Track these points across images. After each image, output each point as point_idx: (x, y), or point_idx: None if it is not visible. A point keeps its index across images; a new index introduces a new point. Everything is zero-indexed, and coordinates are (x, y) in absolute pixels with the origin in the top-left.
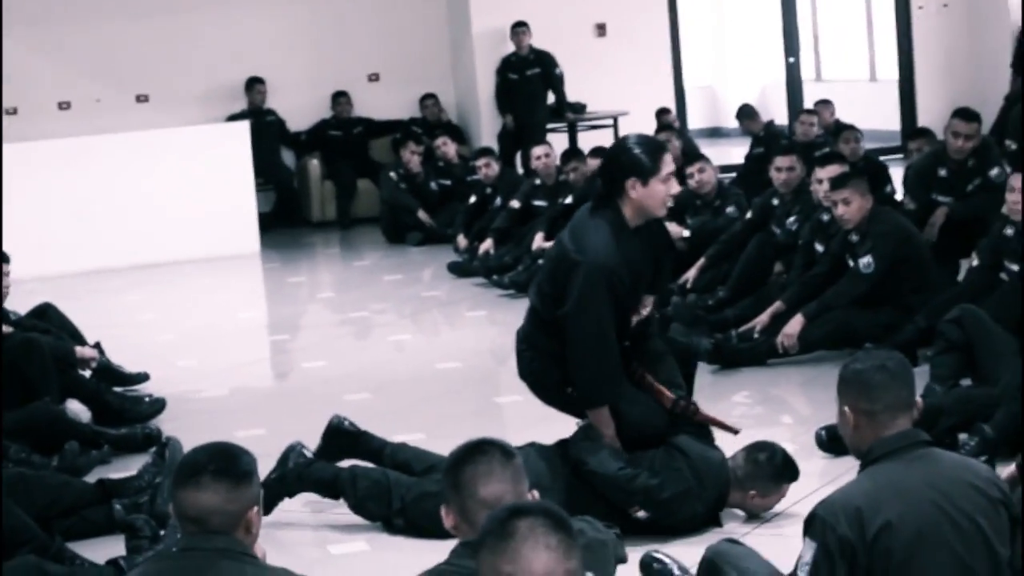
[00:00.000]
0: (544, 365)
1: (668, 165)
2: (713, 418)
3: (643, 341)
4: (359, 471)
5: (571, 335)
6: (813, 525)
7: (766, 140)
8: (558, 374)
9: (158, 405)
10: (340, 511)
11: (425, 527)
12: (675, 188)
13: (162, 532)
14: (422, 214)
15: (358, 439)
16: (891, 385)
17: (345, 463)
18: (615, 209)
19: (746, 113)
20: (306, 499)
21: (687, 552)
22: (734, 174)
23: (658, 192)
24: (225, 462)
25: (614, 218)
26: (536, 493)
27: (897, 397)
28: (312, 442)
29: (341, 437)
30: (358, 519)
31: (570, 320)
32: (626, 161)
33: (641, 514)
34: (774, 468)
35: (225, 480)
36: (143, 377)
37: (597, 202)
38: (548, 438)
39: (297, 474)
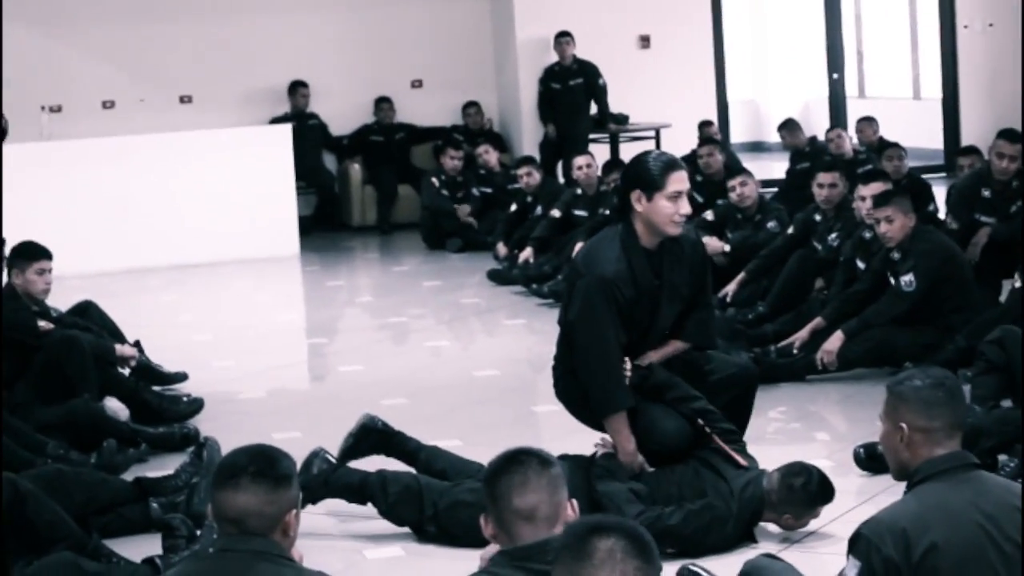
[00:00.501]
0: (569, 381)
1: (677, 183)
2: (726, 449)
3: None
4: (389, 475)
5: (576, 345)
6: (858, 544)
7: (811, 155)
8: (582, 389)
9: (196, 405)
10: (371, 516)
11: (458, 535)
12: (685, 208)
13: (198, 532)
14: (463, 211)
15: (391, 439)
16: (950, 403)
17: (370, 466)
18: (627, 223)
19: (788, 127)
20: (330, 506)
21: (724, 565)
22: (775, 189)
23: (663, 209)
24: (265, 464)
25: (625, 232)
26: (575, 503)
27: (955, 416)
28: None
29: (373, 435)
30: (391, 525)
31: (574, 331)
32: (633, 174)
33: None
34: (809, 494)
35: (264, 482)
36: (181, 377)
37: (615, 216)
38: (586, 448)
39: (323, 480)
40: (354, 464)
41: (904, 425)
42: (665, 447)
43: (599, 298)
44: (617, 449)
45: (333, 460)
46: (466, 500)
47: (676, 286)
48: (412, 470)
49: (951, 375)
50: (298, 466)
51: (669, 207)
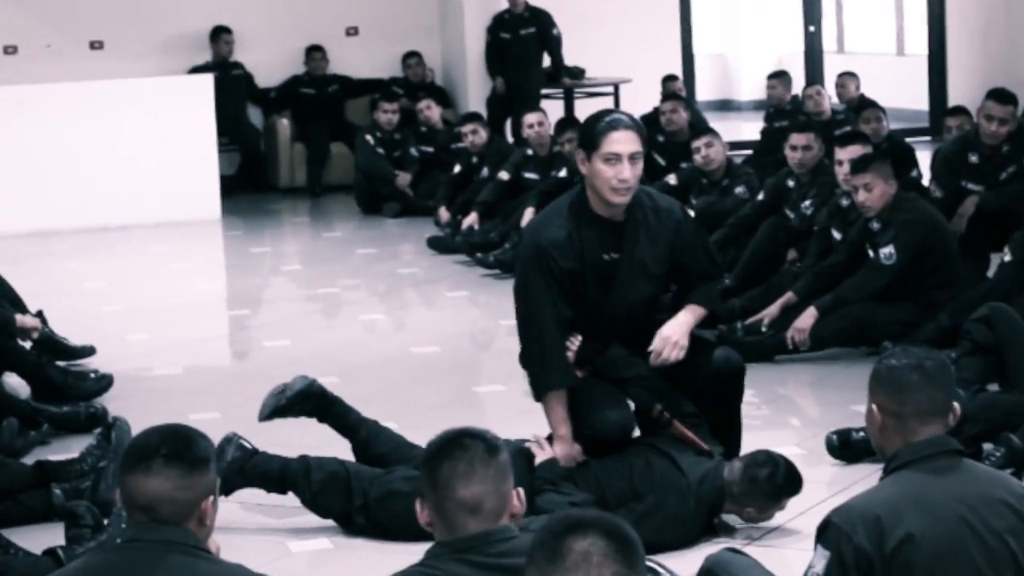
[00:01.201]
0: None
1: (614, 144)
2: (688, 435)
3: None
4: (312, 461)
5: (517, 318)
6: (827, 533)
7: (791, 114)
8: None
9: (104, 382)
10: (294, 506)
11: (390, 527)
12: (623, 173)
13: (105, 521)
14: (401, 181)
15: (331, 407)
16: (925, 387)
17: (286, 452)
18: (581, 188)
19: (782, 79)
20: (248, 496)
21: (684, 561)
22: (748, 152)
23: (600, 172)
24: (179, 445)
25: (576, 197)
26: (521, 492)
27: (930, 401)
28: (269, 430)
29: (312, 400)
30: (316, 517)
31: (514, 298)
32: (580, 131)
33: None
34: (774, 486)
35: (178, 466)
36: (89, 351)
37: (570, 179)
38: (533, 431)
39: (238, 468)
40: (273, 449)
41: (875, 407)
42: (600, 436)
43: (532, 268)
44: (552, 434)
45: (249, 446)
46: (400, 490)
47: (642, 263)
48: (337, 454)
49: (937, 356)
50: None
51: (606, 171)
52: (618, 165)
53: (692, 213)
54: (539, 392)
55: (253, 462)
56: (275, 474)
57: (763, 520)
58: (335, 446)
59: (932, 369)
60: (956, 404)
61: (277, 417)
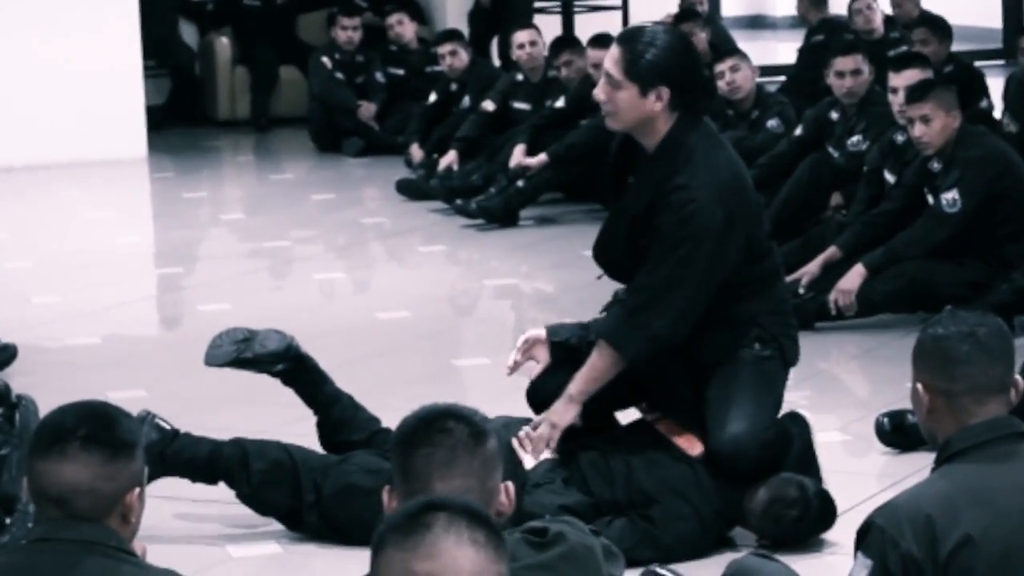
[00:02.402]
0: None
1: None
2: (674, 442)
3: None
4: (250, 446)
5: None
6: (869, 537)
7: (827, 32)
8: None
9: (6, 353)
10: (232, 500)
11: (348, 527)
12: (596, 90)
13: (7, 520)
14: (364, 112)
15: (305, 373)
16: (979, 359)
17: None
18: None
19: None
20: (170, 486)
21: (700, 567)
22: (782, 78)
23: None
24: (100, 426)
25: None
26: (511, 487)
27: (986, 375)
28: (206, 411)
29: (285, 362)
30: (258, 514)
31: None
32: None
33: None
34: (799, 531)
35: (98, 450)
36: None
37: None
38: (521, 411)
39: (157, 453)
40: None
41: (920, 386)
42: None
43: None
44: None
45: (168, 427)
46: (361, 485)
47: (632, 216)
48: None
49: (992, 321)
50: None
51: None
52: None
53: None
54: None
55: (175, 446)
56: (203, 460)
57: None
58: (288, 433)
59: (986, 337)
60: (1019, 378)
61: (232, 368)
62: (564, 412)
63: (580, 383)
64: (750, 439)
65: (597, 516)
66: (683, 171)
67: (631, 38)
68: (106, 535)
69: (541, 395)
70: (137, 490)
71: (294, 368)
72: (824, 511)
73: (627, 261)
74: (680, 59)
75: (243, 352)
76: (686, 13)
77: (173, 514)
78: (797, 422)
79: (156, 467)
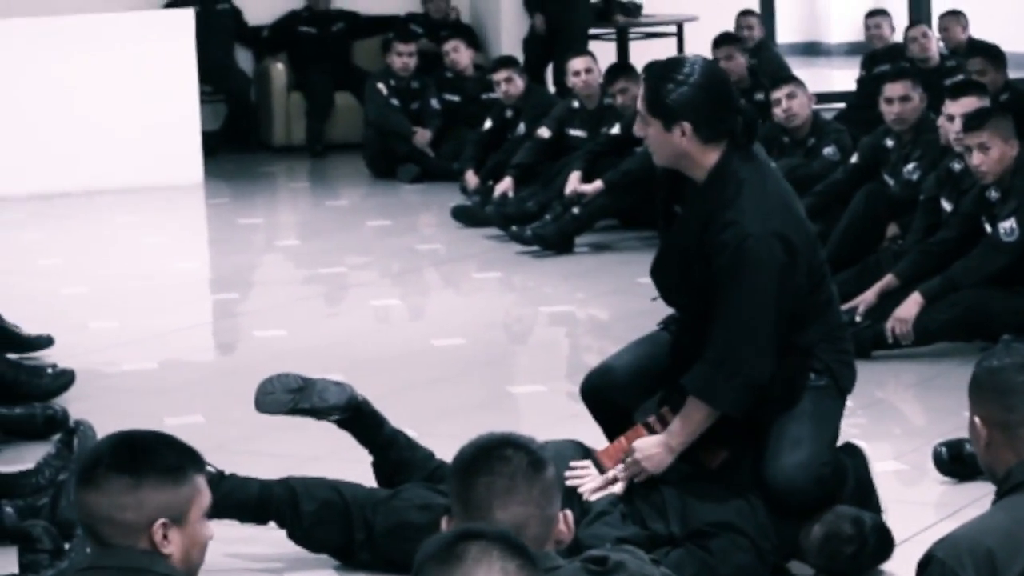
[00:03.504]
0: None
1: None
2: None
3: None
4: (299, 487)
5: None
6: (930, 570)
7: (891, 57)
8: None
9: (64, 379)
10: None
11: (403, 563)
12: (636, 124)
13: (67, 545)
14: (419, 139)
15: (363, 419)
16: None
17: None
18: None
19: (881, 14)
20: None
21: None
22: (839, 105)
23: None
24: (127, 455)
25: None
26: (570, 515)
27: None
28: (263, 438)
29: (345, 413)
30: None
31: None
32: None
33: None
34: (856, 566)
35: (117, 478)
36: (46, 341)
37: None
38: (578, 437)
39: None
40: (261, 459)
41: (978, 420)
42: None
43: None
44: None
45: (214, 470)
46: (414, 522)
47: (684, 251)
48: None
49: None
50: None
51: None
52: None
53: None
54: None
55: (223, 488)
56: (253, 503)
57: None
58: (344, 458)
59: None
60: None
61: (295, 415)
62: (661, 461)
63: (680, 436)
64: (805, 474)
65: (653, 549)
66: (733, 205)
67: (654, 73)
68: (148, 560)
69: (604, 390)
70: (161, 520)
71: (351, 416)
72: (881, 545)
73: (680, 291)
74: (704, 93)
75: (300, 403)
76: (725, 37)
77: (227, 547)
78: (854, 454)
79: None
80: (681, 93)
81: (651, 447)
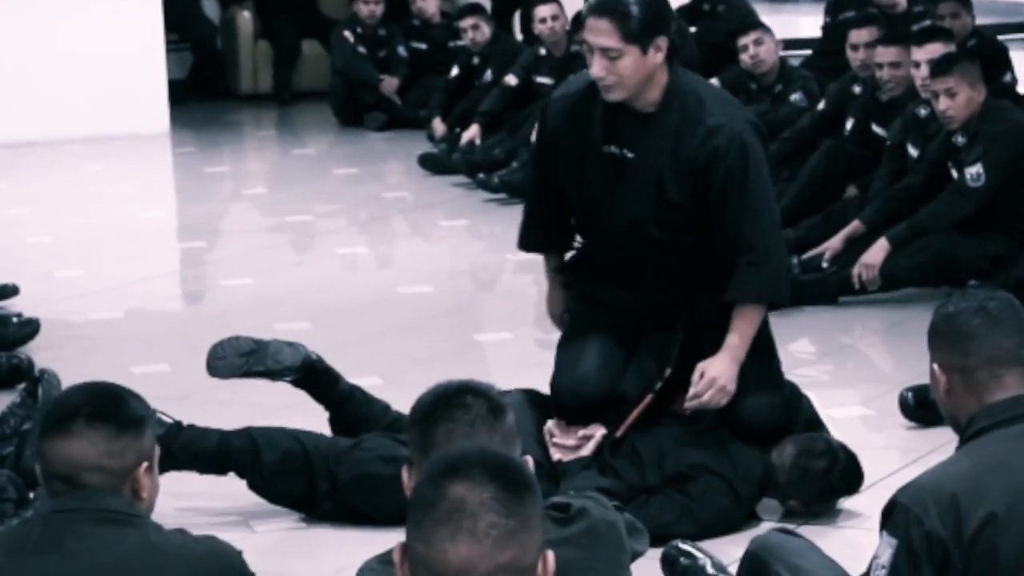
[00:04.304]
0: None
1: (587, 32)
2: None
3: None
4: (260, 437)
5: None
6: (894, 517)
7: (856, 4)
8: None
9: (30, 328)
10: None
11: (366, 514)
12: (593, 68)
13: (31, 494)
14: (386, 86)
15: (317, 377)
16: (993, 333)
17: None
18: None
19: None
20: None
21: (724, 542)
22: (806, 52)
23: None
24: (105, 404)
25: None
26: (530, 460)
27: (1001, 348)
28: (227, 386)
29: (299, 373)
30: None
31: None
32: None
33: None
34: (828, 485)
35: (103, 427)
36: (11, 290)
37: None
38: (543, 385)
39: (165, 448)
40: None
41: (936, 366)
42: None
43: (538, 118)
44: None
45: (170, 420)
46: (379, 474)
47: (657, 174)
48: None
49: (1003, 296)
50: (164, 408)
51: (591, 61)
52: (591, 56)
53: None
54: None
55: (182, 439)
56: (212, 453)
57: (808, 514)
58: (308, 408)
59: (997, 310)
60: None
61: (247, 377)
62: (734, 375)
63: (744, 346)
64: (770, 407)
65: (631, 499)
66: (706, 112)
67: (609, 4)
68: (118, 502)
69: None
70: (145, 464)
71: (307, 378)
72: (851, 465)
73: (652, 223)
74: (656, 3)
75: (253, 366)
76: None
77: (192, 493)
78: (799, 396)
79: (163, 462)
80: (645, 10)
81: (725, 367)
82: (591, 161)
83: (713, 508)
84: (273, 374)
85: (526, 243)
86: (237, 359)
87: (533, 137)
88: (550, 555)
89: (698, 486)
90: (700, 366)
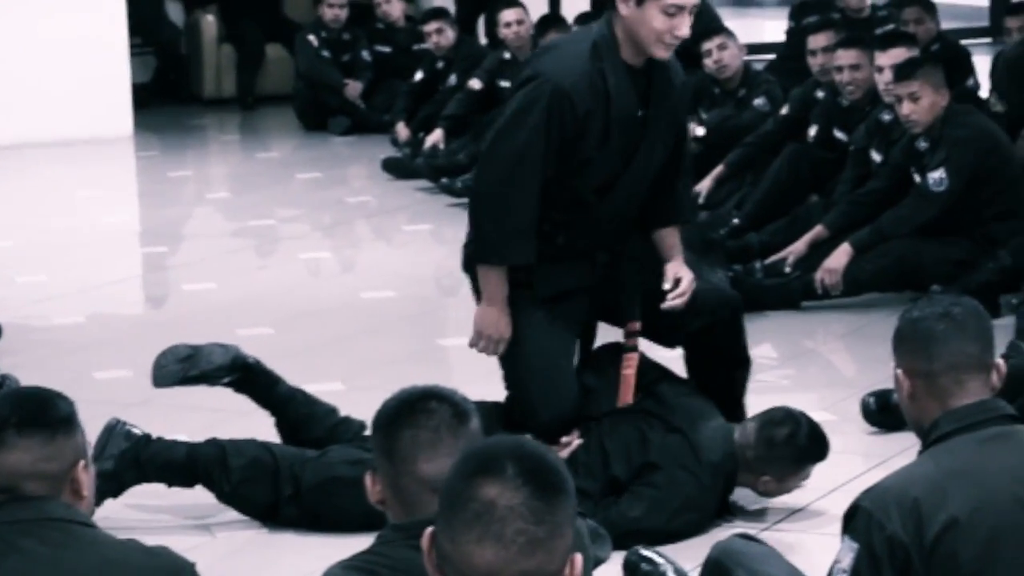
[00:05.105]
0: None
1: None
2: (627, 387)
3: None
4: (228, 446)
5: (483, 158)
6: (855, 521)
7: (820, 8)
8: None
9: None
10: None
11: (330, 519)
12: (683, 29)
13: None
14: (350, 91)
15: (256, 378)
16: (955, 337)
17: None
18: (608, 25)
19: None
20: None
21: (687, 547)
22: (770, 56)
23: (652, 20)
24: (32, 410)
25: (601, 35)
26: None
27: (962, 354)
28: (192, 392)
29: (233, 373)
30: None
31: (491, 140)
32: None
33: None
34: (796, 449)
35: (35, 432)
36: None
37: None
38: (503, 393)
39: (132, 459)
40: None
41: (900, 372)
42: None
43: (542, 111)
44: (483, 300)
45: (139, 432)
46: (343, 476)
47: (662, 126)
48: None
49: (968, 302)
50: (125, 413)
51: (662, 21)
52: (678, 17)
53: (702, 131)
54: (485, 258)
55: (150, 451)
56: (180, 463)
57: (783, 492)
58: (265, 416)
59: (961, 316)
60: (1001, 361)
61: (186, 385)
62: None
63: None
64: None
65: (606, 496)
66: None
67: None
68: (55, 508)
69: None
70: (83, 462)
71: (243, 377)
72: (814, 429)
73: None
74: None
75: (189, 371)
76: None
77: (153, 497)
78: None
79: (131, 473)
80: None
81: (685, 267)
82: (620, 130)
83: (680, 497)
84: (209, 377)
85: (520, 253)
86: (175, 366)
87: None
88: (578, 558)
89: (663, 476)
90: (671, 271)
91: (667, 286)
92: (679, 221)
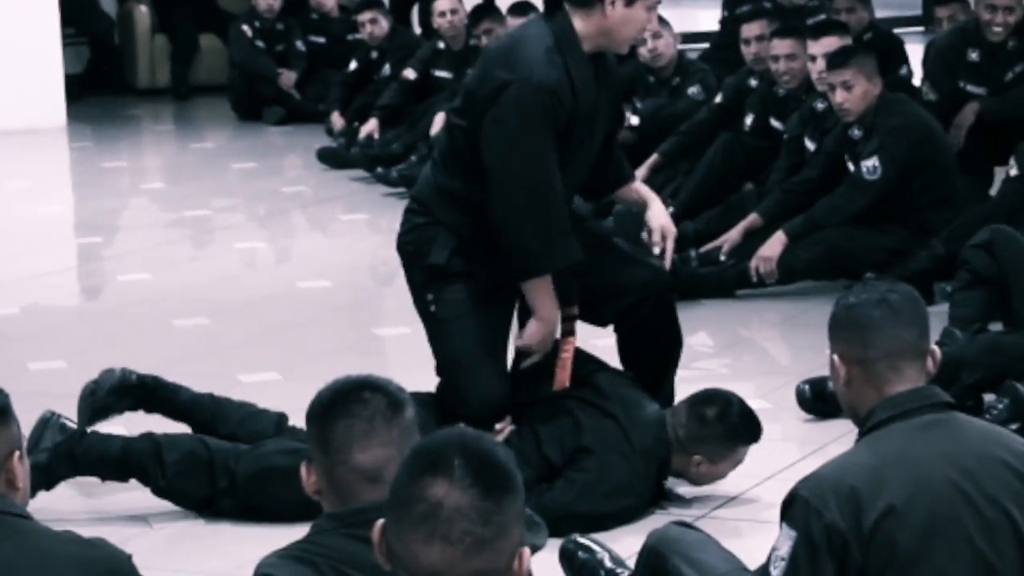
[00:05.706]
0: (431, 235)
1: None
2: (563, 371)
3: None
4: (162, 439)
5: (498, 178)
6: (793, 509)
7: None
8: (444, 254)
9: None
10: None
11: (266, 510)
12: (652, 22)
13: None
14: (285, 80)
15: (154, 393)
16: (891, 323)
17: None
18: (563, 17)
19: None
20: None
21: (624, 534)
22: (704, 45)
23: (639, 16)
24: None
25: (560, 29)
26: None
27: (900, 341)
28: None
29: (131, 392)
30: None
31: (498, 157)
32: None
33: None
34: (727, 427)
35: None
36: None
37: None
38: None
39: (66, 453)
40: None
41: (836, 357)
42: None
43: (538, 116)
44: (536, 317)
45: (73, 426)
46: (279, 466)
47: (609, 108)
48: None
49: (903, 288)
50: (59, 405)
51: (644, 17)
52: (651, 13)
53: (636, 120)
54: (546, 266)
55: (84, 445)
56: (114, 457)
57: (716, 478)
58: None
59: (897, 302)
60: (936, 348)
61: (99, 420)
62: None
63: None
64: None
65: (541, 482)
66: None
67: None
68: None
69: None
70: (17, 453)
71: (143, 395)
72: (745, 411)
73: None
74: None
75: (94, 403)
76: None
77: (89, 488)
78: None
79: (65, 467)
80: None
81: (663, 209)
82: (581, 121)
83: (613, 481)
84: (110, 407)
85: (567, 254)
86: (84, 403)
87: (433, 131)
88: (526, 552)
89: (595, 460)
90: (652, 221)
91: (656, 238)
92: (631, 177)
